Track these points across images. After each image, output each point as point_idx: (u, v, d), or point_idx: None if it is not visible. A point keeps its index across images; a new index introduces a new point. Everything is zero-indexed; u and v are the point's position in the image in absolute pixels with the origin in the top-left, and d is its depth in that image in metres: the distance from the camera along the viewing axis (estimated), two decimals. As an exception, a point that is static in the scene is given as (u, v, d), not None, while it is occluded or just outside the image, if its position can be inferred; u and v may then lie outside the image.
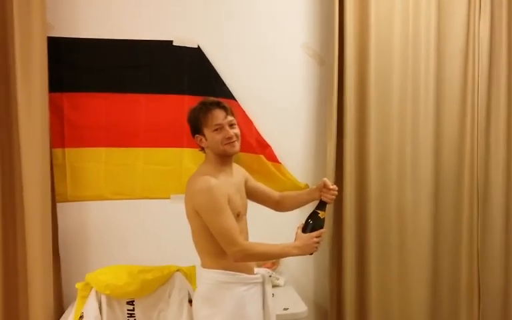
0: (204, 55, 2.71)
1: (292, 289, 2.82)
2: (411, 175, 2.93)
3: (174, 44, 2.68)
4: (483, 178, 3.03)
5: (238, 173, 2.02)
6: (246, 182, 2.07)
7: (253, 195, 2.10)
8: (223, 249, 1.83)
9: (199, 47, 2.70)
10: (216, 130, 1.84)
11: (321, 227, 1.91)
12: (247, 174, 2.10)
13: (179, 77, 2.69)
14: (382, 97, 2.87)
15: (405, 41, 2.89)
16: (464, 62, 2.96)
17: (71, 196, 2.63)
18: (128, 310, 2.25)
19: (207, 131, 1.86)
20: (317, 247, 1.88)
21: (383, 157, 2.89)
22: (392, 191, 2.91)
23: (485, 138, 3.01)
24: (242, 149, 1.98)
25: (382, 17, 2.84)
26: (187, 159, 2.66)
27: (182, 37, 2.68)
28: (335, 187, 1.97)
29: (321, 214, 1.92)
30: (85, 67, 2.62)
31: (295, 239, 1.89)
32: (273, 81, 2.83)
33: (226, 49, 2.75)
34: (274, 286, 2.73)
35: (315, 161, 2.92)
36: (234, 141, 1.87)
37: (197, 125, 1.89)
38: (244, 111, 2.74)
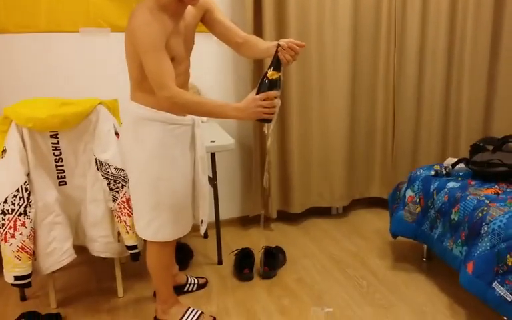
0: None
1: (216, 124, 2.89)
2: (329, 19, 2.97)
3: None
4: (400, 15, 3.12)
5: (189, 13, 1.83)
6: (208, 12, 1.89)
7: (215, 27, 1.93)
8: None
9: None
10: None
11: (271, 89, 1.64)
12: (210, 5, 1.89)
13: None
14: None
15: None
16: None
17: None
18: (52, 143, 2.15)
19: None
20: (265, 113, 1.65)
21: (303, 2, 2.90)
22: (311, 34, 2.94)
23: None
24: None
25: None
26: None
27: None
28: (297, 46, 1.71)
29: (269, 74, 1.65)
30: None
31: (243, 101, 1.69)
32: None
33: None
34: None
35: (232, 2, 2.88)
36: None
37: None
38: None
